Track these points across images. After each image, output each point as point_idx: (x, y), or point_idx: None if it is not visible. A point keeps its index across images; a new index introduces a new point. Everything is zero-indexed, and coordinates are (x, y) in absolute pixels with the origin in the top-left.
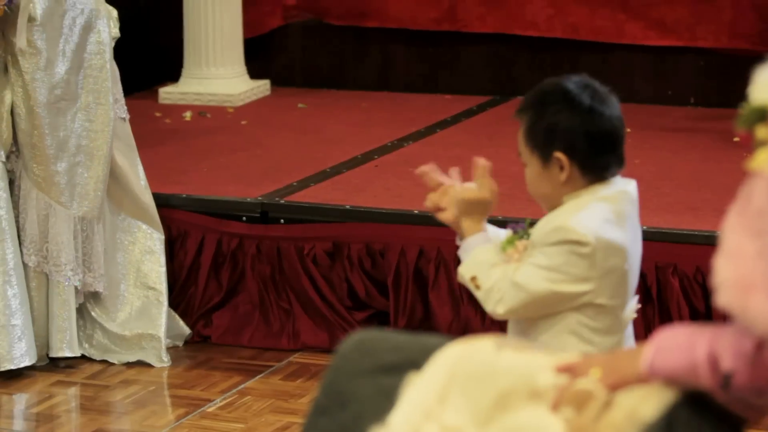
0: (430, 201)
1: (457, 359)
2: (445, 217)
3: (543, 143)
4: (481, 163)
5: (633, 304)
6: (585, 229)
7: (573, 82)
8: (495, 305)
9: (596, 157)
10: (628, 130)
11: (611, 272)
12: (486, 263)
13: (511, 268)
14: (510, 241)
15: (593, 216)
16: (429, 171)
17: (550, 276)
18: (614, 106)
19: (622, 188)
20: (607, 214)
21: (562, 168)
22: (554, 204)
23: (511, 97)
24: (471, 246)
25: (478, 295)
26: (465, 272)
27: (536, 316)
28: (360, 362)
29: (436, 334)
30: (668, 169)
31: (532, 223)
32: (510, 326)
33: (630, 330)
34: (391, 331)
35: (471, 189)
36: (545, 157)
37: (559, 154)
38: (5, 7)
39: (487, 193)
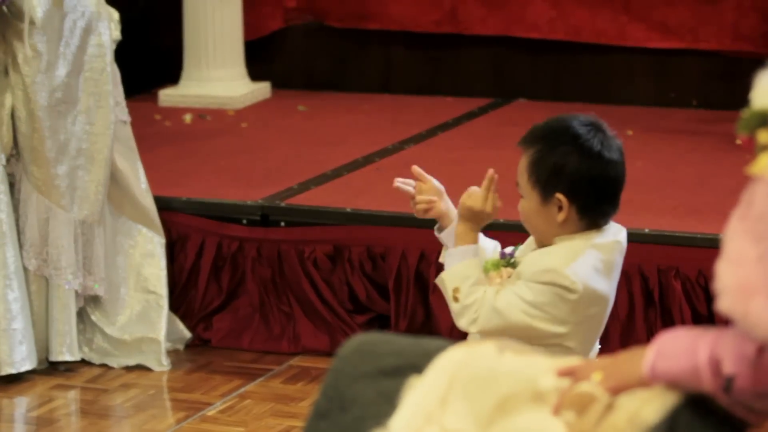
0: (423, 200)
1: (459, 363)
2: (439, 208)
3: (546, 182)
4: (491, 175)
5: (596, 349)
6: (576, 277)
7: (583, 124)
8: (469, 323)
9: (596, 204)
10: (630, 132)
11: (589, 320)
12: (471, 279)
13: (492, 291)
14: (495, 265)
15: (585, 264)
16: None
17: (530, 311)
18: (619, 152)
19: (615, 238)
20: (597, 263)
21: (560, 209)
22: (544, 239)
23: (513, 99)
24: (460, 256)
25: (454, 307)
26: (448, 281)
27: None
28: (361, 365)
29: (438, 338)
30: (670, 172)
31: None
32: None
33: None
34: (392, 335)
35: (476, 198)
36: (545, 195)
37: (560, 196)
38: (2, 6)
39: (490, 207)
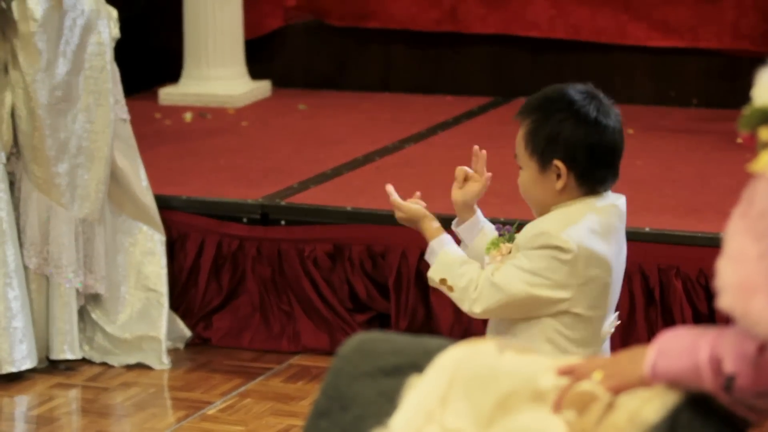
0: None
1: (459, 361)
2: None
3: (543, 150)
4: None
5: (612, 319)
6: (568, 236)
7: (579, 92)
8: (471, 304)
9: (594, 170)
10: (630, 131)
11: (591, 282)
12: (454, 264)
13: (490, 267)
14: (495, 243)
15: (580, 225)
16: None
17: (529, 279)
18: (617, 119)
19: (613, 202)
20: (593, 225)
21: (559, 176)
22: (544, 209)
23: (513, 98)
24: (435, 250)
25: (453, 296)
26: (434, 275)
27: (514, 318)
28: (361, 364)
29: (438, 337)
30: (671, 171)
31: (520, 226)
32: (489, 328)
33: (607, 345)
34: (392, 334)
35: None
36: (543, 164)
37: (558, 163)
38: (2, 3)
39: (404, 213)
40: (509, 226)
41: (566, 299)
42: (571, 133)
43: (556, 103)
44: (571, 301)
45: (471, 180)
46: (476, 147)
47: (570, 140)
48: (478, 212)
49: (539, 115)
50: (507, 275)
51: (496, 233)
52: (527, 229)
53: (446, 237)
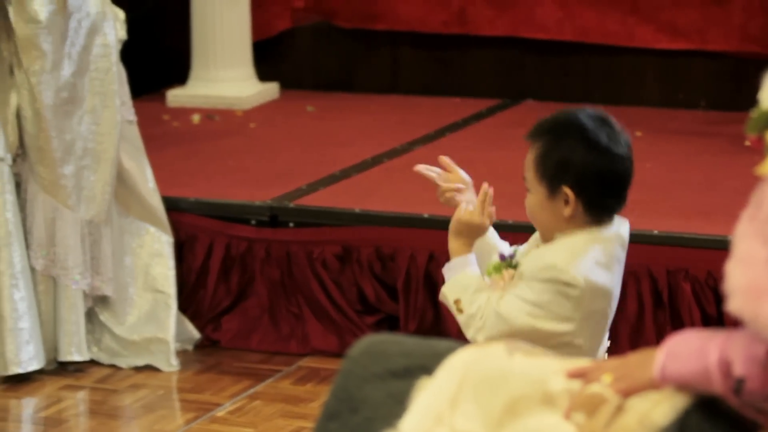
0: (450, 187)
1: (469, 364)
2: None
3: (553, 175)
4: (485, 189)
5: (605, 345)
6: (576, 272)
7: (590, 117)
8: (475, 332)
9: (603, 199)
10: (639, 133)
11: (594, 314)
12: (471, 288)
13: (496, 296)
14: (497, 268)
15: (586, 258)
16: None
17: (533, 311)
18: (627, 146)
19: (617, 231)
20: (598, 256)
21: (567, 203)
22: (550, 234)
23: (521, 100)
24: (457, 267)
25: (460, 318)
26: (449, 294)
27: None
28: (371, 366)
29: (447, 339)
30: (679, 173)
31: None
32: None
33: None
34: (401, 336)
35: (474, 213)
36: (552, 189)
37: (567, 189)
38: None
39: (486, 220)
40: (512, 251)
41: (569, 332)
42: (582, 161)
43: (567, 129)
44: (573, 334)
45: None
46: (485, 185)
47: (580, 167)
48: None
49: (550, 139)
50: (511, 306)
51: (504, 244)
52: (533, 259)
53: (471, 258)
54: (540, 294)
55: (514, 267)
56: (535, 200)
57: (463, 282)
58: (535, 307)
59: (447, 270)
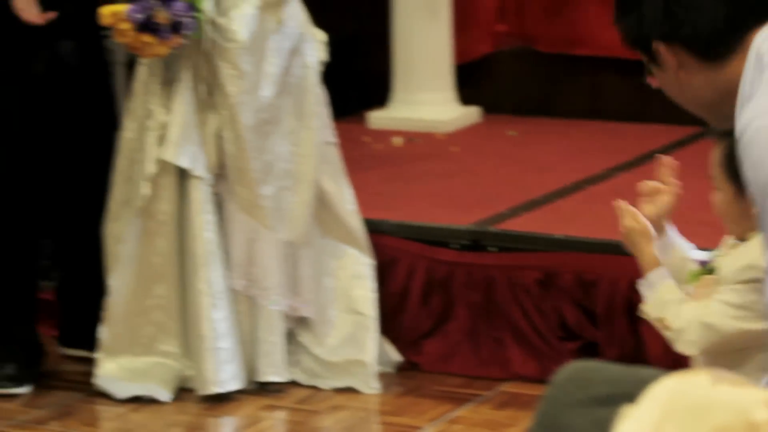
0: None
1: (672, 393)
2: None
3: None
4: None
5: None
6: None
7: None
8: (686, 346)
9: None
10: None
11: None
12: (672, 303)
13: (701, 306)
14: (695, 276)
15: None
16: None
17: (739, 314)
18: None
19: None
20: None
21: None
22: (741, 231)
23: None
24: (653, 282)
25: (668, 334)
26: (652, 312)
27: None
28: (575, 393)
29: (651, 367)
30: None
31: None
32: (695, 359)
33: None
34: (605, 363)
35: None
36: (741, 188)
37: None
38: (181, 38)
39: (640, 223)
40: (708, 256)
41: None
42: None
43: None
44: None
45: (660, 193)
46: (661, 156)
47: None
48: (669, 230)
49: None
50: (717, 314)
51: (688, 250)
52: (732, 262)
53: (664, 270)
54: (744, 295)
55: (712, 272)
56: (723, 198)
57: (663, 298)
58: (740, 309)
59: (642, 287)
